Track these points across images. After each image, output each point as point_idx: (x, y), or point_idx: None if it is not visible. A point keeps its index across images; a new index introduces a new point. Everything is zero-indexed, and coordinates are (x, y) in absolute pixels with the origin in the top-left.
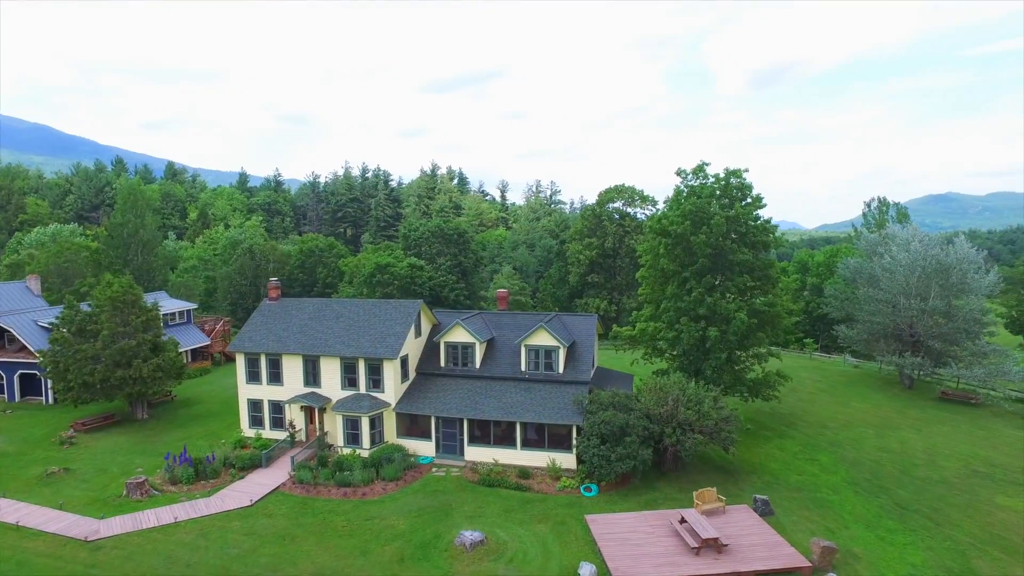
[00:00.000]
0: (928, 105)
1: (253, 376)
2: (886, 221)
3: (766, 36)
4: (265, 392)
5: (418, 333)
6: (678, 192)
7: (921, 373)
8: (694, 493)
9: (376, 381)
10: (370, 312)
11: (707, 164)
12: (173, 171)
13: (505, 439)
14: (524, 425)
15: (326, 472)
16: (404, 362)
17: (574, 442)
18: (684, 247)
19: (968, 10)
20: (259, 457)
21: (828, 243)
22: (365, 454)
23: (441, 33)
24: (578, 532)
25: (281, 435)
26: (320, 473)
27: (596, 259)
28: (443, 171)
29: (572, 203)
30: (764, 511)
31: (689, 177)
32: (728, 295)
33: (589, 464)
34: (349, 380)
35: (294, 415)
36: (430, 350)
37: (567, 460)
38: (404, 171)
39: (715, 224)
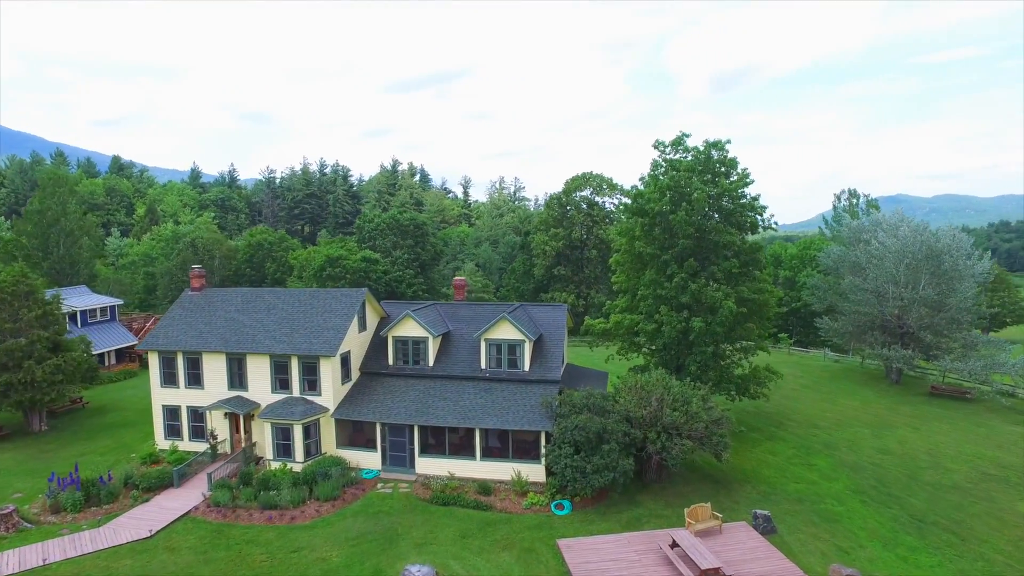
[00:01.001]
0: (880, 110)
1: (169, 378)
2: (856, 213)
3: (726, 40)
4: (183, 397)
5: (363, 327)
6: (655, 166)
7: (907, 367)
8: (685, 511)
9: (312, 382)
10: (306, 303)
11: (687, 136)
12: (119, 165)
13: (462, 448)
14: (484, 432)
15: (248, 491)
16: (345, 360)
17: (543, 451)
18: (663, 227)
19: (916, 19)
20: (169, 475)
21: (788, 241)
22: (298, 468)
23: (406, 33)
24: (549, 561)
25: (203, 447)
26: (241, 493)
27: (563, 250)
28: (404, 167)
29: (536, 200)
30: (766, 528)
31: (667, 150)
32: (713, 282)
33: (561, 477)
34: (280, 382)
35: (216, 423)
36: (377, 346)
37: (535, 472)
38: (367, 169)
39: (696, 200)
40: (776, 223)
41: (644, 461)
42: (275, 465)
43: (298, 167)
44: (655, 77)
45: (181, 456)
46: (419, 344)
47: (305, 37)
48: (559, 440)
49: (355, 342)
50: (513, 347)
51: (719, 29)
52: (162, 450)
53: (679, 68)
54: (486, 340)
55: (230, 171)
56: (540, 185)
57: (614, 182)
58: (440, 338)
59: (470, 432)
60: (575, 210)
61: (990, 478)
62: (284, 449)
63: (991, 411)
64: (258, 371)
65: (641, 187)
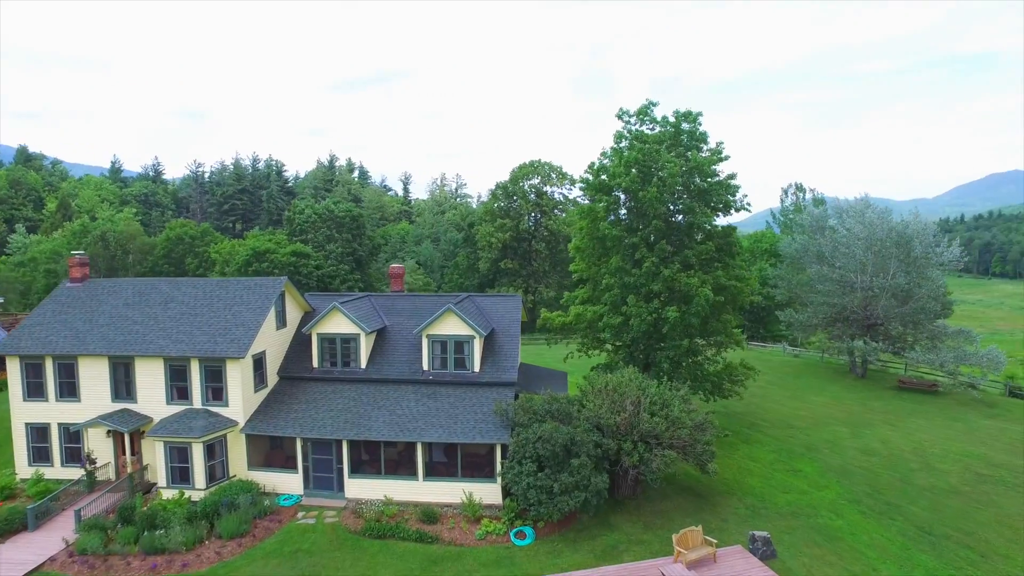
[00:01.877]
0: (809, 116)
1: (35, 389)
2: (800, 208)
3: (663, 47)
4: (54, 412)
5: (281, 323)
6: (619, 137)
7: (872, 360)
8: (674, 537)
9: (217, 391)
10: (212, 295)
11: (654, 104)
12: (27, 156)
13: (402, 466)
14: (428, 446)
15: (128, 532)
16: (259, 363)
17: (498, 468)
18: (631, 206)
19: (845, 31)
20: (22, 514)
21: None
22: (199, 496)
23: (351, 31)
24: None
25: (78, 474)
26: (118, 534)
27: (510, 242)
28: (342, 163)
29: (479, 196)
30: (766, 553)
31: (632, 121)
32: (686, 268)
33: (523, 499)
34: (178, 390)
35: (96, 444)
36: (299, 346)
37: (489, 493)
38: (305, 166)
39: (669, 175)
40: (749, 204)
41: (618, 476)
42: (169, 494)
43: (229, 161)
44: (598, 81)
45: (47, 487)
46: (349, 342)
47: (244, 33)
48: (519, 454)
49: (272, 341)
50: (460, 344)
51: (657, 36)
52: (23, 480)
53: (620, 72)
54: (428, 337)
55: (154, 165)
56: (483, 184)
57: (564, 171)
58: (374, 335)
59: (411, 447)
60: (523, 199)
61: (985, 479)
62: (181, 473)
63: (961, 404)
64: (150, 378)
65: (605, 163)
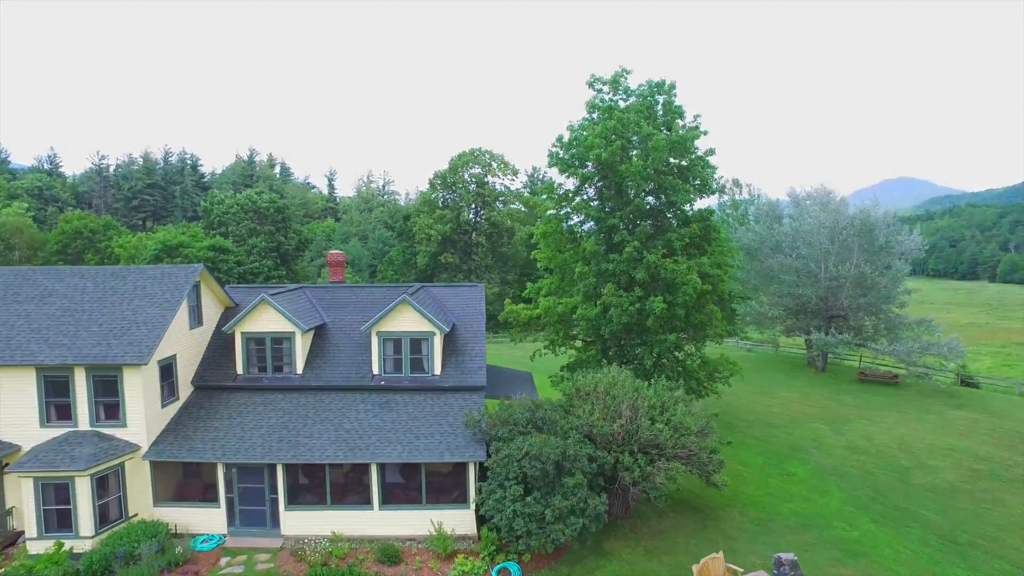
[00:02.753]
0: (740, 119)
1: None
2: (737, 204)
3: (602, 52)
4: None
5: (196, 321)
6: (592, 107)
7: (833, 352)
8: (694, 568)
9: (111, 407)
10: (106, 287)
11: (628, 72)
12: None
13: (351, 493)
14: (383, 468)
15: None
16: (168, 370)
17: (472, 491)
18: (607, 184)
19: (769, 39)
20: None
21: None
22: (86, 547)
23: (271, 21)
24: None
25: None
26: None
27: (450, 235)
28: (262, 158)
29: (407, 195)
30: None
31: (605, 89)
32: (670, 253)
33: (507, 530)
34: (56, 409)
35: None
36: (219, 349)
37: (462, 521)
38: (224, 162)
39: (655, 146)
40: (724, 186)
41: (612, 494)
42: (42, 547)
43: (138, 154)
44: (532, 84)
45: None
46: (281, 343)
47: (159, 18)
48: (501, 475)
49: (184, 343)
50: (418, 343)
51: (592, 39)
52: None
53: (549, 78)
54: (379, 334)
55: (51, 156)
56: (412, 182)
57: (506, 160)
58: (312, 333)
59: (362, 469)
60: (463, 190)
61: (981, 475)
62: (60, 518)
63: (925, 395)
64: (15, 393)
65: (575, 134)
